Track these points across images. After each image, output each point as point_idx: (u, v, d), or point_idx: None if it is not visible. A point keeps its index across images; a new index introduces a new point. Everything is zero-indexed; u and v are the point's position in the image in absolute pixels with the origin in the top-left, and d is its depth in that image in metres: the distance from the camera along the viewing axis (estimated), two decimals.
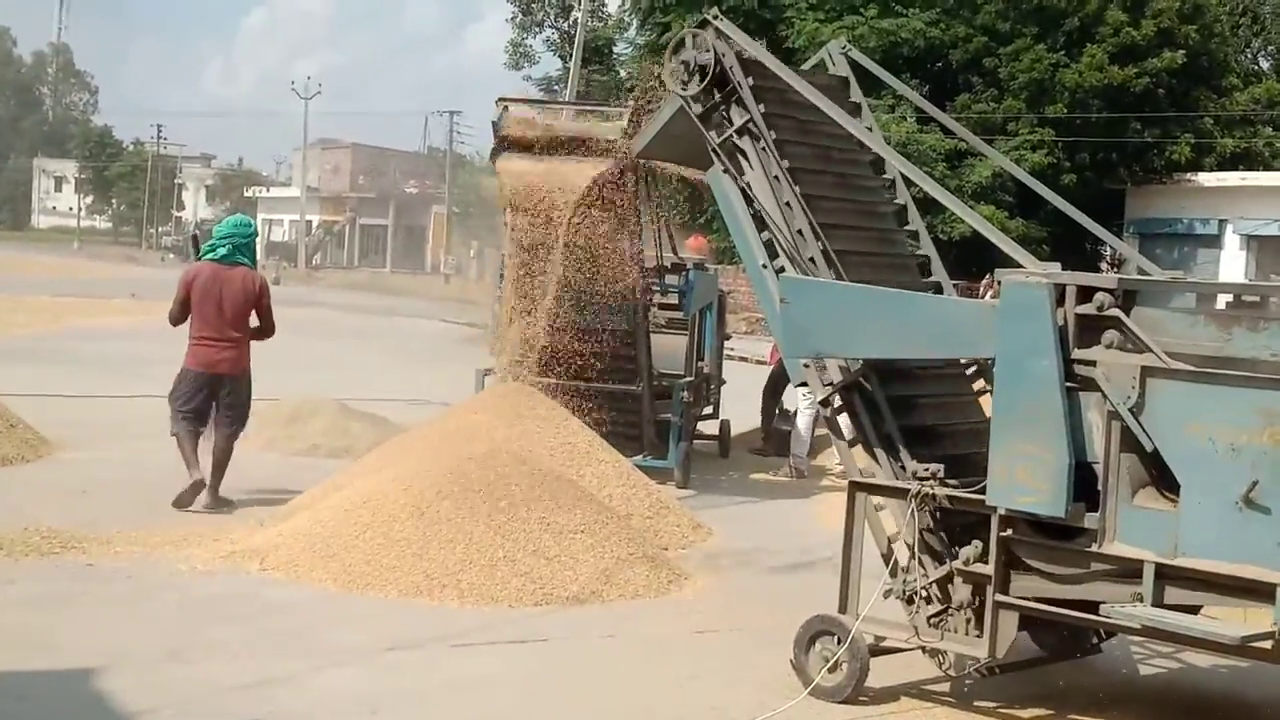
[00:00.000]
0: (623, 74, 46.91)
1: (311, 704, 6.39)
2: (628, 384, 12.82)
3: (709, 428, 15.04)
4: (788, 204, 7.47)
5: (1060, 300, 6.21)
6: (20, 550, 8.78)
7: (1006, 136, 37.83)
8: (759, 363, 17.57)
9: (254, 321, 11.10)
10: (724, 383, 15.49)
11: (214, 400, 10.83)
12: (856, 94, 8.34)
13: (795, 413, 14.70)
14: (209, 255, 11.03)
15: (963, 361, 7.60)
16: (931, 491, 6.68)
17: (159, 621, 7.60)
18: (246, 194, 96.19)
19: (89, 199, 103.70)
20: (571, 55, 42.59)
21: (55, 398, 15.50)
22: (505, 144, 12.48)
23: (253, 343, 11.08)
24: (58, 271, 51.20)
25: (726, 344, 16.62)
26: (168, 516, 9.99)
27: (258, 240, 11.73)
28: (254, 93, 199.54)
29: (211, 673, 6.77)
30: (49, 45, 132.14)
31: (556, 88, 46.60)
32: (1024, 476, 6.21)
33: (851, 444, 7.40)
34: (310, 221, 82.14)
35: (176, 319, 11.06)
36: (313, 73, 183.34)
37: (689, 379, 13.45)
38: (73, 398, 16.04)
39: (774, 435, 15.52)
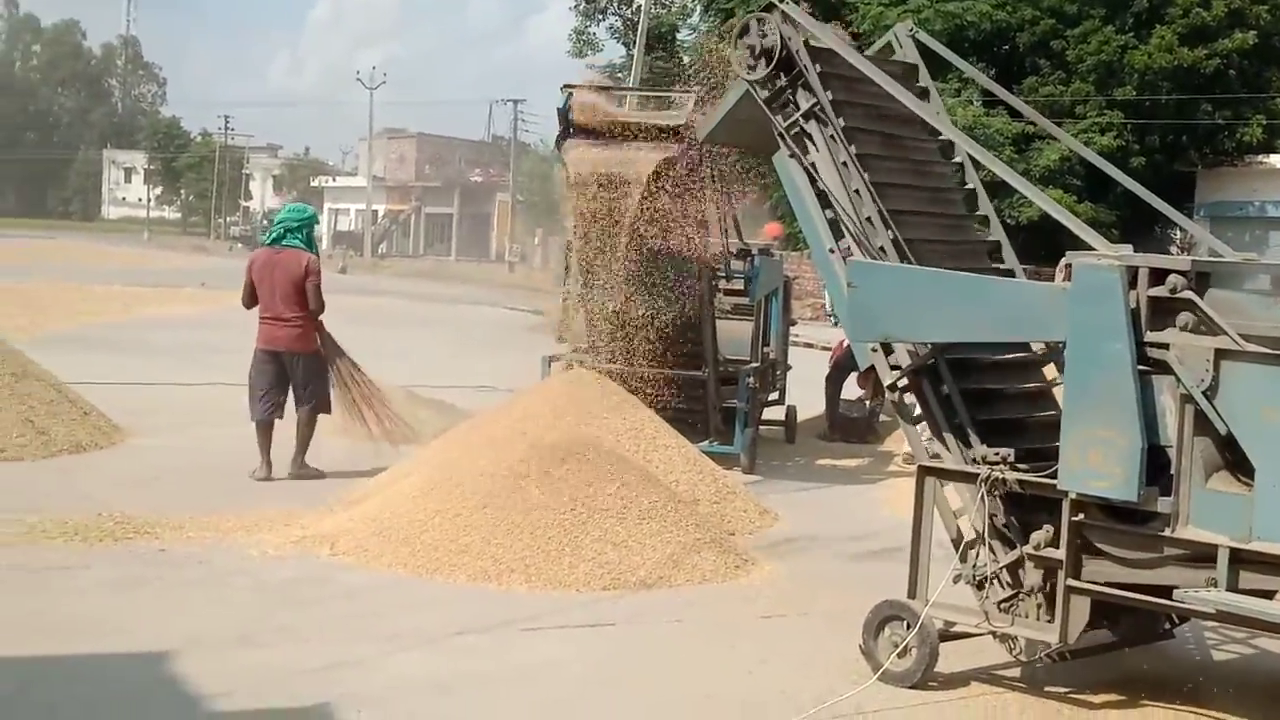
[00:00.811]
0: (686, 60, 46.82)
1: (381, 687, 6.43)
2: (694, 370, 12.81)
3: (775, 414, 15.00)
4: (856, 191, 7.42)
5: (1132, 283, 6.14)
6: (94, 536, 8.90)
7: (1075, 120, 37.43)
8: (824, 349, 17.50)
9: None
10: (789, 368, 15.45)
11: (287, 380, 11.50)
12: (925, 78, 8.28)
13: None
14: (265, 240, 12.02)
15: (1035, 348, 7.53)
16: (1001, 476, 6.63)
17: (231, 606, 7.67)
18: (313, 184, 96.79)
19: (158, 190, 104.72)
20: (635, 42, 42.52)
21: (127, 385, 15.68)
22: (571, 130, 12.48)
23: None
24: (128, 261, 51.79)
25: (792, 330, 16.59)
26: (238, 502, 10.08)
27: (317, 225, 12.22)
28: (319, 83, 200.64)
29: (282, 656, 6.83)
30: (118, 38, 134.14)
31: (620, 75, 46.50)
32: (1096, 460, 6.15)
33: (919, 427, 7.35)
34: (376, 211, 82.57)
35: (246, 303, 11.83)
36: (377, 63, 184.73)
37: (755, 365, 13.41)
38: (144, 385, 16.22)
39: (839, 422, 15.48)
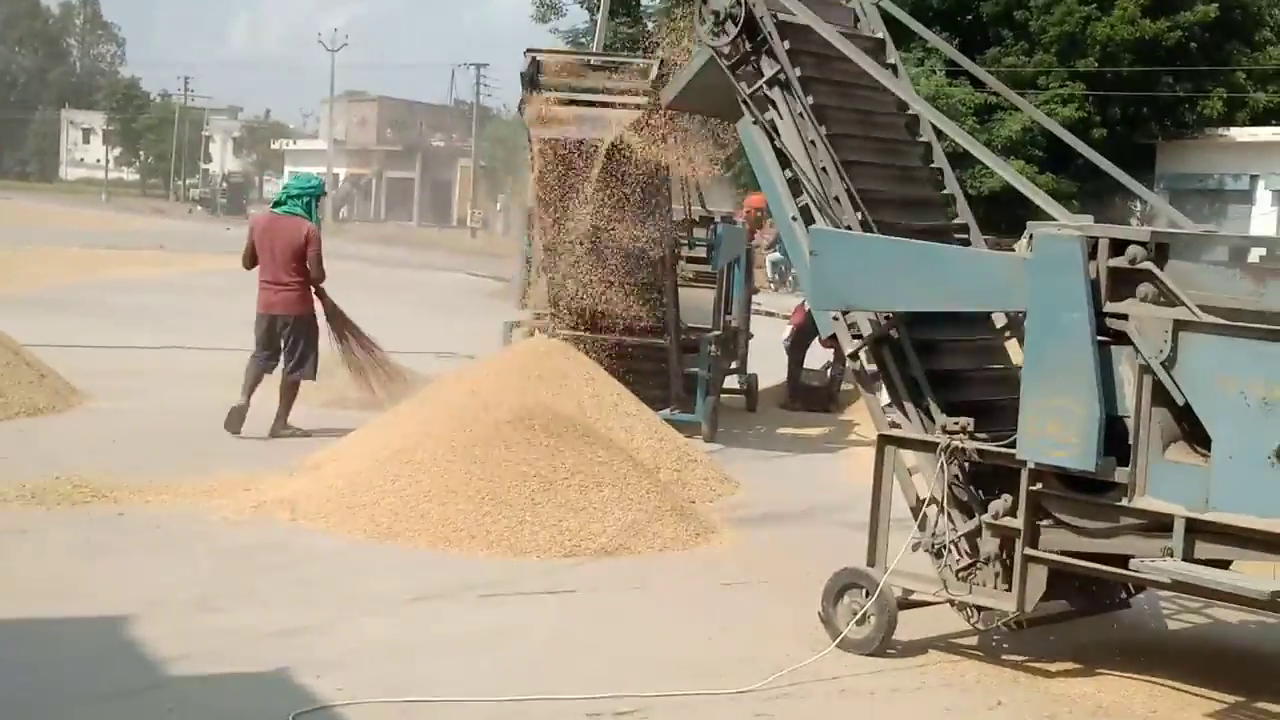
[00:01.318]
0: (650, 26, 46.66)
1: (342, 652, 6.43)
2: (655, 338, 12.80)
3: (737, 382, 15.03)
4: (824, 169, 7.41)
5: (1092, 253, 6.17)
6: (52, 499, 8.84)
7: (1037, 90, 37.54)
8: (785, 318, 17.52)
9: None
10: (751, 337, 15.47)
11: (279, 341, 11.80)
12: (893, 54, 8.24)
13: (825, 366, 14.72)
14: (272, 207, 12.34)
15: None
16: (961, 445, 6.66)
17: (190, 570, 7.64)
18: (273, 146, 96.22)
19: (117, 151, 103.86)
20: (599, 7, 42.34)
21: (85, 348, 15.57)
22: (534, 94, 12.42)
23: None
24: (86, 223, 51.36)
25: (754, 299, 16.60)
26: (198, 466, 10.04)
27: (323, 195, 12.49)
28: (281, 45, 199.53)
29: (243, 621, 6.82)
30: None
31: (584, 40, 46.33)
32: (1054, 430, 6.18)
33: (879, 396, 7.38)
34: (337, 175, 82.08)
35: (246, 264, 12.14)
36: (339, 25, 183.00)
37: (717, 333, 13.42)
38: (102, 348, 16.09)
39: (800, 390, 15.52)
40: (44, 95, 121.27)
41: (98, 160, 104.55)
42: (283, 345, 11.82)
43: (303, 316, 11.86)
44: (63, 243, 36.24)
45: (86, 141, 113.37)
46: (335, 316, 12.27)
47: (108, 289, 24.89)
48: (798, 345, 15.63)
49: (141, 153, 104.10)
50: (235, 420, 11.58)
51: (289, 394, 11.85)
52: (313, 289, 11.91)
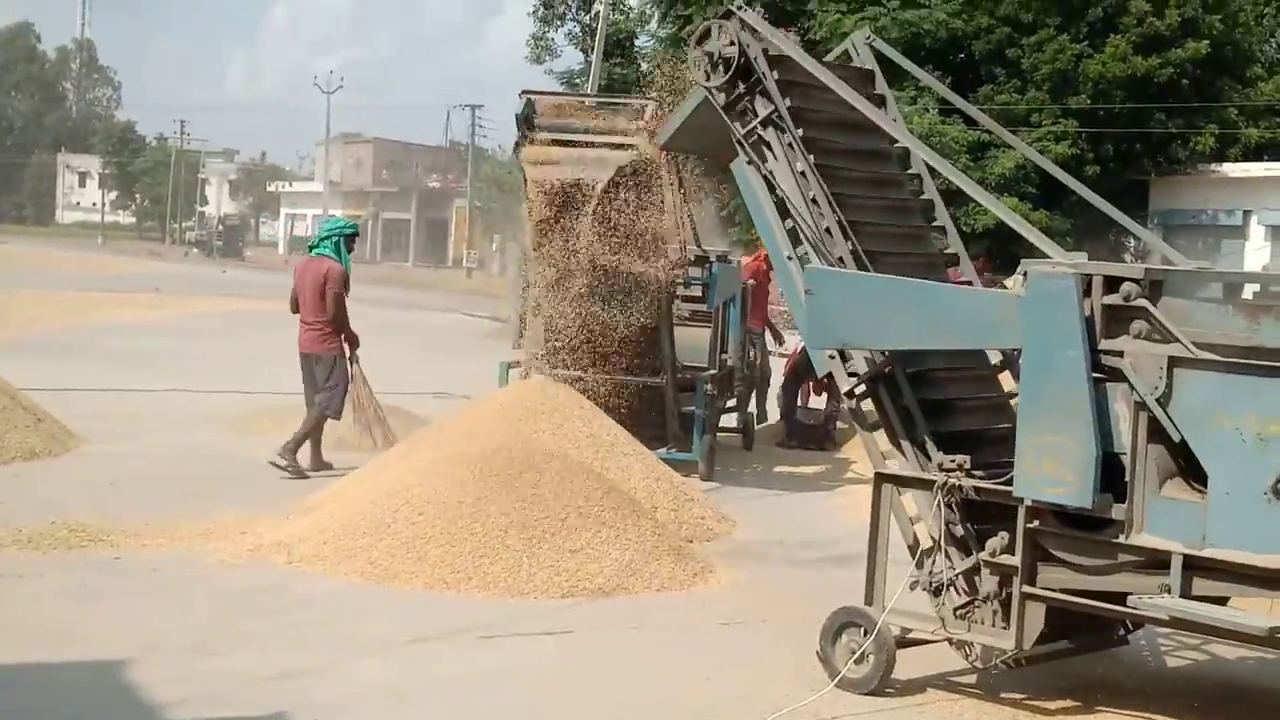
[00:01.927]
0: (645, 67, 46.87)
1: (340, 695, 6.41)
2: (652, 377, 12.81)
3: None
4: (814, 201, 7.44)
5: (1087, 290, 6.19)
6: (48, 544, 8.83)
7: (1030, 128, 37.66)
8: (781, 356, 17.52)
9: None
10: (745, 374, 15.47)
11: (315, 379, 12.16)
12: (882, 86, 8.30)
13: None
14: (308, 249, 12.86)
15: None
16: (958, 483, 6.67)
17: (187, 614, 7.63)
18: (269, 189, 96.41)
19: (113, 194, 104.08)
20: (593, 49, 42.53)
21: (81, 392, 15.57)
22: (529, 136, 12.47)
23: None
24: (82, 267, 51.37)
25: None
26: (194, 509, 10.01)
27: (354, 236, 12.83)
28: (276, 87, 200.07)
29: (240, 665, 6.80)
30: (72, 41, 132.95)
31: (578, 81, 46.51)
32: (1051, 467, 6.19)
33: (878, 432, 7.38)
34: (333, 216, 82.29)
35: (291, 308, 12.60)
36: (335, 67, 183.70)
37: (713, 372, 13.43)
38: (98, 391, 16.09)
39: (797, 429, 15.52)
40: (40, 139, 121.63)
41: (94, 204, 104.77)
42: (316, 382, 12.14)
43: (325, 355, 12.13)
44: (59, 286, 36.22)
45: (83, 185, 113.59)
46: (351, 358, 12.38)
47: (104, 332, 24.86)
48: (792, 383, 15.65)
49: (137, 196, 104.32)
50: (312, 463, 11.94)
51: (307, 428, 12.03)
52: (342, 327, 12.20)
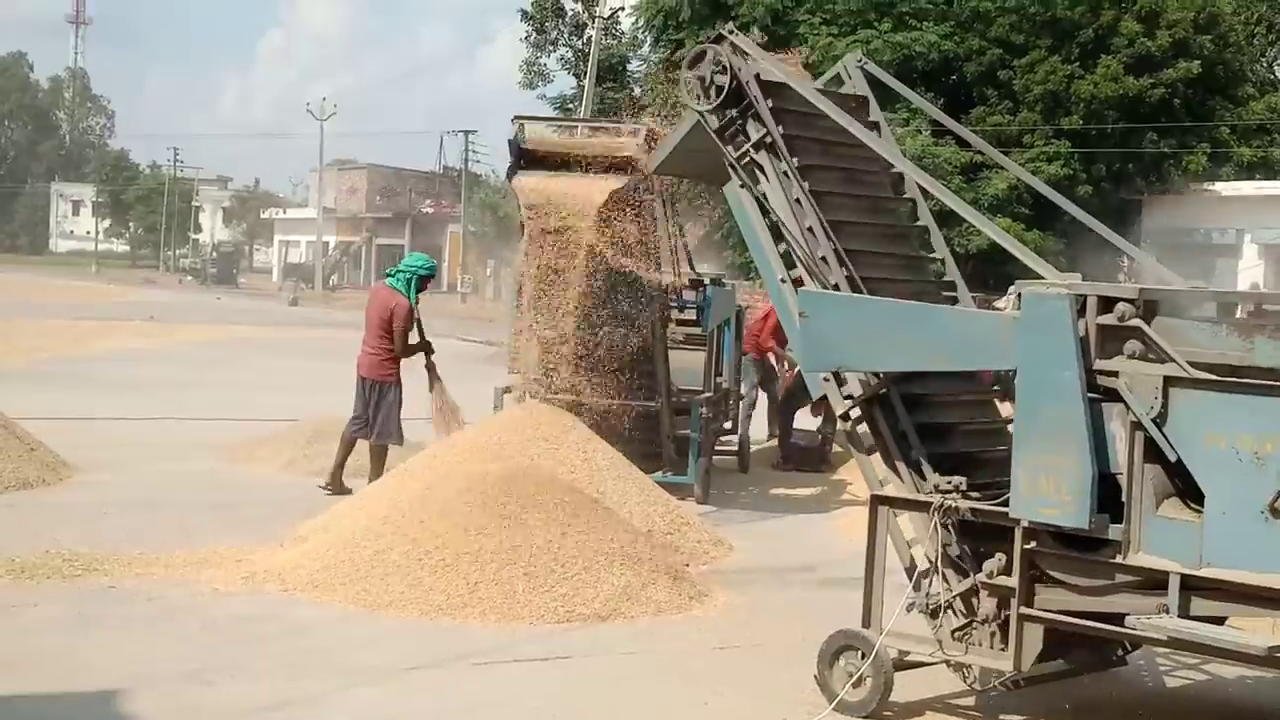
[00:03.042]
0: (637, 91, 46.95)
1: None
2: (647, 400, 12.80)
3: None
4: (810, 229, 7.44)
5: (1081, 311, 6.19)
6: (42, 573, 8.80)
7: (1022, 149, 37.71)
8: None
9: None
10: (742, 397, 15.47)
11: (369, 404, 12.42)
12: (876, 112, 8.29)
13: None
14: (385, 275, 13.17)
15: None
16: (954, 504, 6.66)
17: (181, 643, 7.60)
18: (263, 215, 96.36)
19: (106, 222, 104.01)
20: (586, 74, 42.66)
21: (75, 420, 15.54)
22: (522, 161, 12.47)
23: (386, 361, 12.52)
24: (76, 295, 51.33)
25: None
26: (189, 538, 10.00)
27: (427, 276, 12.93)
28: (269, 114, 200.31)
29: (235, 694, 6.76)
30: (65, 70, 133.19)
31: (571, 106, 46.59)
32: (1047, 488, 6.18)
33: (871, 454, 7.37)
34: (327, 242, 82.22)
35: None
36: (328, 94, 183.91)
37: (708, 395, 13.42)
38: (92, 420, 16.07)
39: (792, 451, 15.50)
40: (34, 168, 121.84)
41: (87, 232, 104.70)
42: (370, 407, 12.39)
43: (380, 382, 12.41)
44: (52, 315, 36.20)
45: (76, 213, 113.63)
46: (435, 381, 12.82)
47: (98, 361, 24.85)
48: (787, 406, 15.64)
49: (131, 224, 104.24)
50: (333, 483, 12.21)
51: (375, 457, 12.23)
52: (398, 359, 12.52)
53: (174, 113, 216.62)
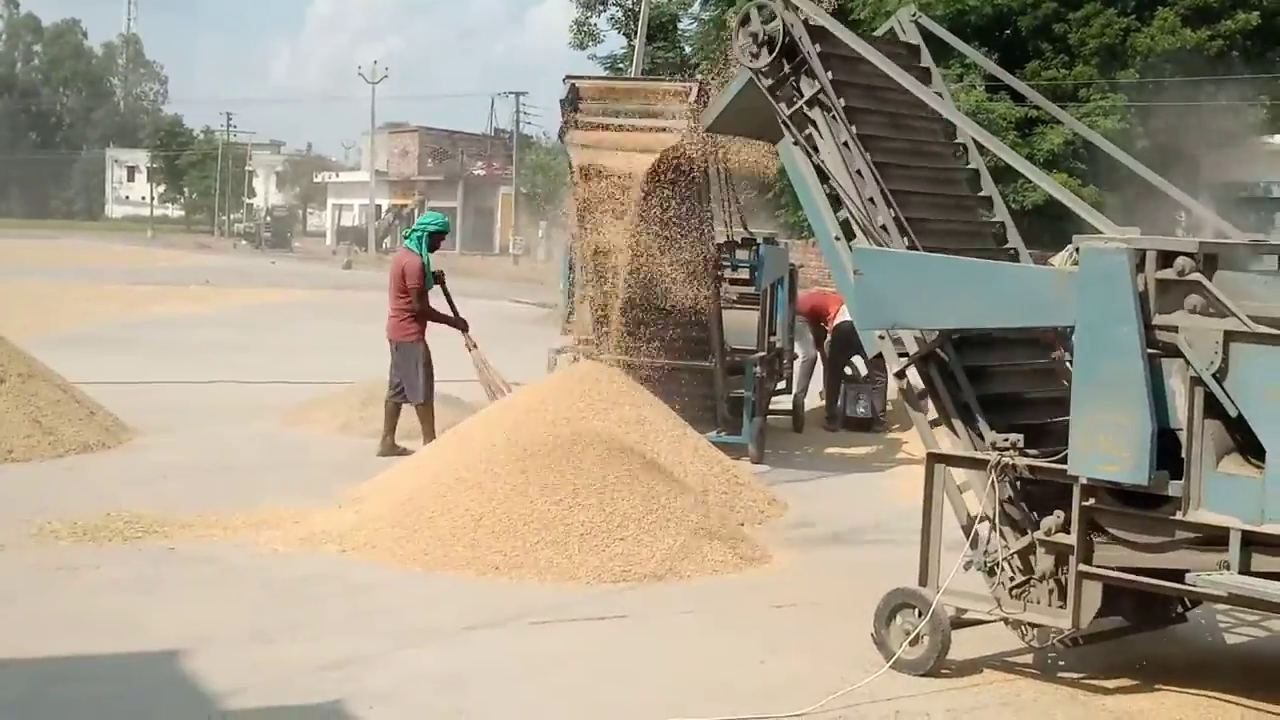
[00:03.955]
0: (688, 50, 46.71)
1: (395, 682, 6.43)
2: (701, 360, 12.79)
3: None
4: (858, 172, 7.40)
5: (1140, 266, 6.12)
6: (104, 536, 8.91)
7: (1078, 103, 37.32)
8: None
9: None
10: (795, 357, 15.43)
11: (396, 366, 12.62)
12: (926, 59, 8.24)
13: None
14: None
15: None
16: (1011, 462, 6.62)
17: (241, 603, 7.67)
18: (316, 179, 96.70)
19: (161, 188, 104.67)
20: (636, 33, 42.43)
21: (133, 384, 15.68)
22: (575, 121, 12.45)
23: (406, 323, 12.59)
24: (132, 260, 51.76)
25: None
26: (247, 500, 10.08)
27: (435, 232, 12.99)
28: (321, 78, 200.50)
29: (295, 653, 6.83)
30: (119, 36, 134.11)
31: (622, 66, 46.40)
32: (1106, 445, 6.13)
33: (929, 416, 7.33)
34: (379, 205, 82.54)
35: None
36: (379, 57, 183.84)
37: (761, 354, 13.39)
38: (150, 384, 16.21)
39: (842, 413, 15.41)
40: (89, 135, 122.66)
41: (143, 197, 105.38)
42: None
43: (401, 343, 12.51)
44: (110, 280, 36.55)
45: (131, 179, 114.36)
46: (468, 344, 13.01)
47: (155, 325, 25.07)
48: (836, 366, 15.56)
49: (186, 189, 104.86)
50: (385, 449, 12.30)
51: (421, 418, 12.31)
52: (424, 316, 12.61)
53: (226, 78, 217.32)
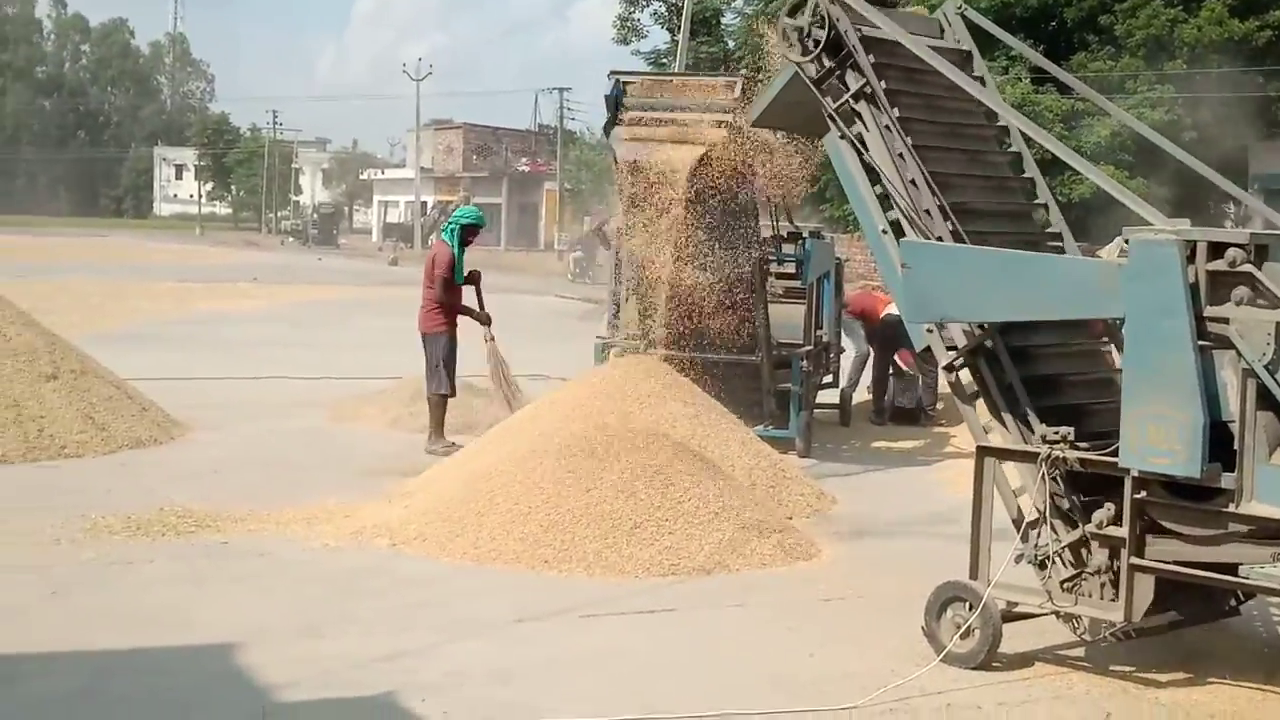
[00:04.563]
0: (731, 45, 46.68)
1: (445, 675, 6.46)
2: (747, 354, 12.79)
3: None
4: (900, 155, 7.36)
5: (1190, 257, 6.09)
6: (157, 530, 8.98)
7: (1124, 95, 37.05)
8: None
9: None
10: (842, 351, 15.41)
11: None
12: (980, 68, 8.15)
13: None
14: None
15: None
16: (1062, 454, 6.59)
17: (293, 597, 7.73)
18: (362, 177, 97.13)
19: (209, 186, 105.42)
20: (680, 28, 42.42)
21: (183, 380, 15.80)
22: (619, 116, 12.47)
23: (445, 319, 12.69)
24: (181, 258, 52.15)
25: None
26: (298, 495, 10.14)
27: (469, 225, 13.09)
28: (366, 76, 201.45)
29: (346, 646, 6.87)
30: (166, 35, 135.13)
31: (665, 61, 46.42)
32: (1157, 437, 6.11)
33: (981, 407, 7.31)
34: (425, 202, 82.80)
35: None
36: (423, 54, 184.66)
37: (808, 348, 13.38)
38: (200, 380, 16.33)
39: (889, 406, 15.37)
40: (136, 133, 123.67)
41: (190, 195, 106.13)
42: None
43: (427, 334, 12.62)
44: (159, 277, 36.83)
45: (179, 177, 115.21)
46: (486, 336, 13.02)
47: (205, 322, 25.27)
48: (883, 360, 15.52)
49: (233, 187, 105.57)
50: (435, 445, 12.29)
51: (430, 407, 12.48)
52: (451, 309, 12.68)
53: (272, 76, 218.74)
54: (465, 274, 12.83)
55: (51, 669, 6.43)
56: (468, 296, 13.04)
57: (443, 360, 12.48)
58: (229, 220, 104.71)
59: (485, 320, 12.99)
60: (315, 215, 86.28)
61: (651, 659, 6.92)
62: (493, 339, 13.00)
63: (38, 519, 9.10)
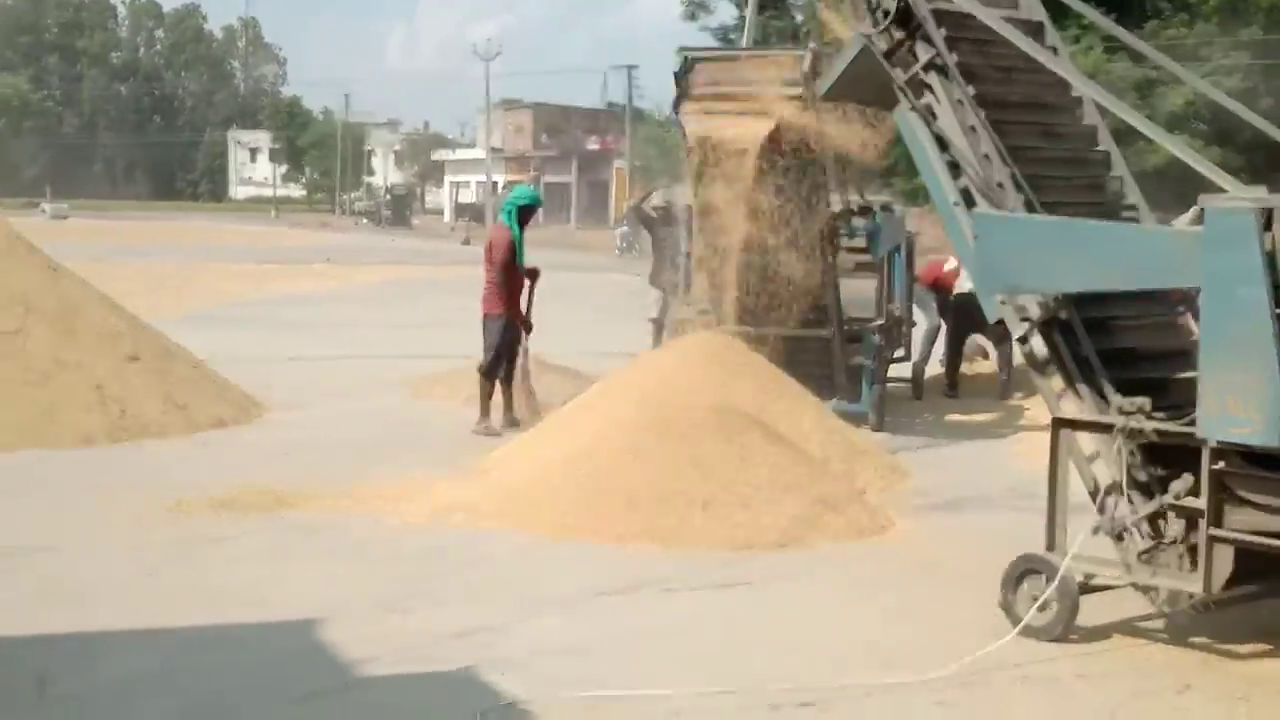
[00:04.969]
0: (800, 19, 46.41)
1: (524, 650, 6.53)
2: (818, 329, 12.77)
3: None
4: (972, 128, 7.31)
5: (1267, 225, 6.02)
6: (239, 509, 9.12)
7: (1199, 62, 36.54)
8: None
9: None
10: (914, 324, 15.34)
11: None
12: (1054, 38, 8.06)
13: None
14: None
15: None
16: (1139, 425, 6.55)
17: (372, 573, 7.83)
18: (433, 157, 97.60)
19: (283, 168, 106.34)
20: (747, 2, 42.27)
21: (261, 361, 15.98)
22: (689, 92, 12.46)
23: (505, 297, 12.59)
24: (257, 240, 52.70)
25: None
26: (376, 473, 10.25)
27: (526, 206, 12.96)
28: (436, 57, 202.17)
29: (426, 622, 6.96)
30: (238, 20, 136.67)
31: (733, 36, 46.27)
32: (1235, 407, 6.05)
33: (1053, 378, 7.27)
34: (496, 182, 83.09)
35: None
36: (491, 34, 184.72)
37: (880, 322, 13.34)
38: (278, 360, 16.52)
39: (960, 382, 15.29)
40: (211, 117, 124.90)
41: (265, 178, 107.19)
42: None
43: (486, 316, 12.58)
44: (236, 259, 37.23)
45: (253, 160, 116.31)
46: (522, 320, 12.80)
47: (280, 303, 25.53)
48: (957, 335, 15.42)
49: (306, 169, 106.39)
50: (510, 422, 12.33)
51: (504, 390, 12.52)
52: (512, 293, 12.58)
53: (343, 58, 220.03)
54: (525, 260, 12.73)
55: (142, 645, 6.55)
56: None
57: (495, 344, 12.45)
58: (303, 202, 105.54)
59: (527, 328, 12.79)
60: (388, 196, 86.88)
61: (728, 633, 6.96)
62: (528, 351, 12.83)
63: (126, 499, 9.28)
